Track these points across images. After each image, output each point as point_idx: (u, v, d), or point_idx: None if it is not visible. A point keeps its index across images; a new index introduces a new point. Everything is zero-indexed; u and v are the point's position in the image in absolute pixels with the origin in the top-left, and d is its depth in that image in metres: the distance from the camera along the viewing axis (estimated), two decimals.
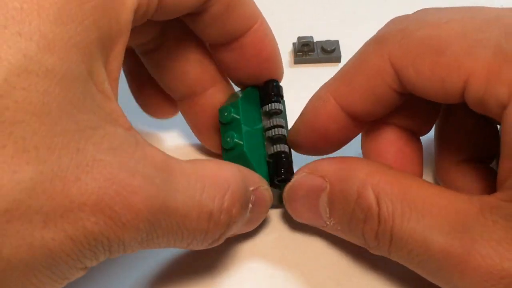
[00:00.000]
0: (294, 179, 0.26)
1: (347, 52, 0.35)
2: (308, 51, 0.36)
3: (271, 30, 0.28)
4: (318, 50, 0.36)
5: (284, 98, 0.34)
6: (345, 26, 0.37)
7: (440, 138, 0.28)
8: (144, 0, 0.21)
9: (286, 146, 0.27)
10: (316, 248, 0.28)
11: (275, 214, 0.29)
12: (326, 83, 0.26)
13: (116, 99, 0.21)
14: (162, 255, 0.27)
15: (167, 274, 0.27)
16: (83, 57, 0.19)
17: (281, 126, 0.27)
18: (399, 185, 0.23)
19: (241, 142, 0.26)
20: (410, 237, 0.22)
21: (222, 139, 0.27)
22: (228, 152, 0.26)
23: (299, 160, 0.28)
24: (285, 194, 0.27)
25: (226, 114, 0.27)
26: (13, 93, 0.17)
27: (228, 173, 0.23)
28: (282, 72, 0.29)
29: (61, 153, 0.18)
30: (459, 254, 0.21)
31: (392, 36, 0.24)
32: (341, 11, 0.39)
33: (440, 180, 0.28)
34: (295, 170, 0.27)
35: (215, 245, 0.23)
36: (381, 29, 0.25)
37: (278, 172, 0.26)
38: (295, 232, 0.28)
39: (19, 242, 0.17)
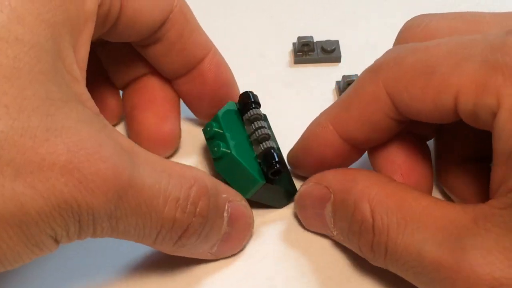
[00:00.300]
0: (302, 188, 0.27)
1: (347, 52, 0.35)
2: (308, 51, 0.36)
3: (223, 57, 0.29)
4: (318, 50, 0.36)
5: (284, 98, 0.34)
6: (345, 26, 0.37)
7: (439, 139, 0.28)
8: None
9: (273, 142, 0.28)
10: (316, 248, 0.28)
11: (275, 215, 0.29)
12: (325, 110, 0.27)
13: (84, 85, 0.21)
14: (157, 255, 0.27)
15: (161, 273, 0.27)
16: (52, 34, 0.20)
17: (264, 127, 0.28)
18: (396, 198, 0.23)
19: (228, 151, 0.27)
20: (405, 250, 0.23)
21: (211, 151, 0.27)
22: (218, 161, 0.27)
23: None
24: (295, 203, 0.28)
25: (208, 129, 0.28)
26: None
27: (197, 173, 0.24)
28: (238, 94, 0.30)
29: (30, 114, 0.19)
30: (450, 265, 0.21)
31: (386, 64, 0.24)
32: (341, 11, 0.39)
33: (441, 182, 0.28)
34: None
35: (181, 251, 0.24)
36: (378, 58, 0.25)
37: (270, 165, 0.26)
38: (294, 232, 0.28)
39: None
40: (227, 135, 0.27)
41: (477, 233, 0.21)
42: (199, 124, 0.32)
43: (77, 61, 0.21)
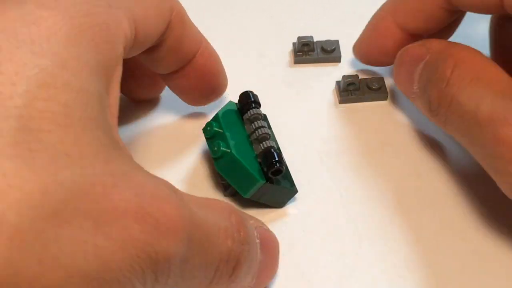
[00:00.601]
0: (405, 47, 0.30)
1: (347, 52, 0.35)
2: (308, 51, 0.36)
3: (212, 46, 0.30)
4: (318, 50, 0.36)
5: (284, 98, 0.34)
6: (345, 26, 0.37)
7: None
8: (128, 36, 0.22)
9: (273, 141, 0.28)
10: (316, 249, 0.28)
11: (275, 215, 0.29)
12: (384, 4, 0.31)
13: (117, 130, 0.21)
14: None
15: None
16: (94, 78, 0.19)
17: (264, 127, 0.28)
18: (477, 63, 0.26)
19: (228, 150, 0.27)
20: (466, 101, 0.25)
21: (210, 151, 0.27)
22: (218, 161, 0.27)
23: (292, 159, 0.28)
24: (396, 60, 0.30)
25: (208, 128, 0.28)
26: (36, 103, 0.17)
27: (224, 204, 0.24)
28: (227, 83, 0.31)
29: (93, 162, 0.18)
30: (499, 120, 0.24)
31: None
32: (341, 11, 0.39)
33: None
34: (291, 172, 0.27)
35: (235, 283, 0.23)
36: None
37: (270, 164, 0.27)
38: (294, 233, 0.28)
39: (74, 248, 0.17)
40: (227, 134, 0.27)
41: None
42: (198, 123, 0.32)
43: (110, 106, 0.21)
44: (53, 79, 0.18)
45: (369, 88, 0.33)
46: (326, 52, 0.36)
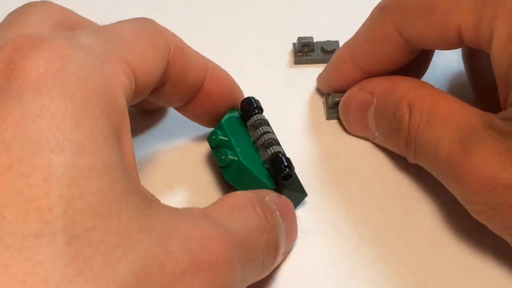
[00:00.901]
0: (347, 93, 0.31)
1: None
2: (308, 51, 0.36)
3: (219, 66, 0.29)
4: (318, 51, 0.36)
5: (284, 98, 0.34)
6: (345, 26, 0.37)
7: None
8: (127, 85, 0.22)
9: (279, 147, 0.27)
10: (315, 249, 0.28)
11: None
12: (344, 46, 0.31)
13: (139, 180, 0.21)
14: None
15: None
16: (110, 146, 0.19)
17: (269, 132, 0.28)
18: (429, 100, 0.27)
19: (236, 158, 0.27)
20: (427, 144, 0.26)
21: (217, 159, 0.27)
22: (226, 169, 0.27)
23: (292, 160, 0.28)
24: (340, 108, 0.31)
25: (214, 137, 0.28)
26: (73, 205, 0.17)
27: (242, 195, 0.24)
28: (243, 94, 0.30)
29: (140, 238, 0.18)
30: (456, 160, 0.24)
31: (392, 5, 0.28)
32: (341, 11, 0.39)
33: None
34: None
35: (276, 263, 0.25)
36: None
37: (279, 169, 0.26)
38: None
39: None
40: (233, 142, 0.27)
41: (483, 136, 0.24)
42: (200, 132, 0.32)
43: (128, 159, 0.21)
44: (78, 170, 0.18)
45: None
46: (326, 53, 0.36)
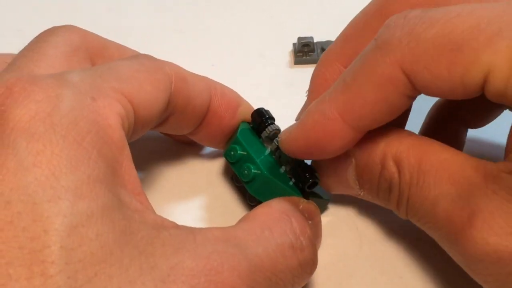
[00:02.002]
0: (319, 160, 0.27)
1: None
2: (308, 51, 0.36)
3: (219, 83, 0.29)
4: (318, 51, 0.36)
5: (284, 98, 0.34)
6: (345, 26, 0.37)
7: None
8: (123, 115, 0.22)
9: None
10: None
11: None
12: (329, 98, 0.24)
13: (152, 210, 0.21)
14: None
15: None
16: (107, 188, 0.19)
17: None
18: (415, 153, 0.23)
19: (259, 171, 0.26)
20: (421, 205, 0.23)
21: (240, 175, 0.27)
22: (250, 184, 0.27)
23: None
24: (318, 173, 0.27)
25: (233, 153, 0.27)
26: (74, 254, 0.17)
27: (277, 206, 0.24)
28: (251, 106, 0.30)
29: (142, 280, 0.18)
30: (458, 223, 0.21)
31: (398, 41, 0.22)
32: (341, 11, 0.39)
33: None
34: None
35: (314, 268, 0.24)
36: (382, 32, 0.23)
37: (305, 179, 0.26)
38: None
39: None
40: (253, 155, 0.27)
41: (486, 194, 0.21)
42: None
43: (133, 193, 0.21)
44: (77, 218, 0.18)
45: None
46: None
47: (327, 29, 0.37)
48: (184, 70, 0.26)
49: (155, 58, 0.25)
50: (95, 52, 0.25)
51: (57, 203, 0.18)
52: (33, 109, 0.19)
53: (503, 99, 0.21)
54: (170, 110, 0.25)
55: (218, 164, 0.31)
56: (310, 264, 0.23)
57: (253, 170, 0.26)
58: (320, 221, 0.26)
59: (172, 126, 0.27)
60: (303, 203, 0.25)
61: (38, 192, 0.18)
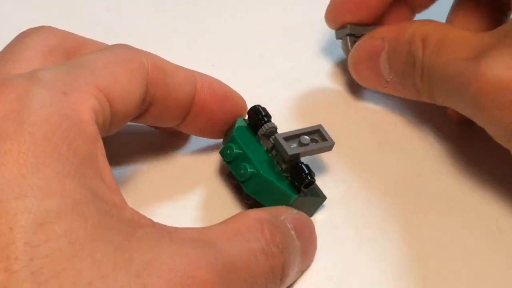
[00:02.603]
0: (357, 44, 0.31)
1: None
2: None
3: (208, 75, 0.28)
4: None
5: (284, 98, 0.34)
6: None
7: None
8: (97, 109, 0.21)
9: None
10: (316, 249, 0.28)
11: None
12: None
13: (127, 205, 0.21)
14: None
15: None
16: (79, 183, 0.19)
17: None
18: (441, 31, 0.27)
19: (255, 171, 0.26)
20: (442, 68, 0.27)
21: (236, 174, 0.27)
22: (246, 184, 0.27)
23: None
24: (350, 59, 0.31)
25: (229, 152, 0.27)
26: (39, 250, 0.17)
27: (252, 215, 0.24)
28: (244, 102, 0.29)
29: (115, 274, 0.18)
30: (470, 70, 0.25)
31: None
32: None
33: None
34: None
35: (286, 275, 0.24)
36: None
37: (301, 178, 0.26)
38: None
39: None
40: (249, 154, 0.27)
41: (497, 47, 0.25)
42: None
43: (109, 188, 0.21)
44: (44, 215, 0.18)
45: None
46: None
47: (327, 29, 0.37)
48: (164, 60, 0.26)
49: (131, 47, 0.25)
50: (73, 51, 0.25)
51: (24, 200, 0.18)
52: (3, 109, 0.19)
53: None
54: (148, 100, 0.25)
55: (214, 160, 0.31)
56: (281, 271, 0.23)
57: (249, 170, 0.26)
58: (311, 232, 0.26)
59: (154, 118, 0.26)
60: (290, 214, 0.25)
61: (5, 190, 0.18)
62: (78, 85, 0.21)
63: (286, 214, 0.25)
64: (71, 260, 0.18)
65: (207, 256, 0.20)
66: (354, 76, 0.31)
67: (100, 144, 0.21)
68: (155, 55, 0.26)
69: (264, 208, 0.25)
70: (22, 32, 0.25)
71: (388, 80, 0.30)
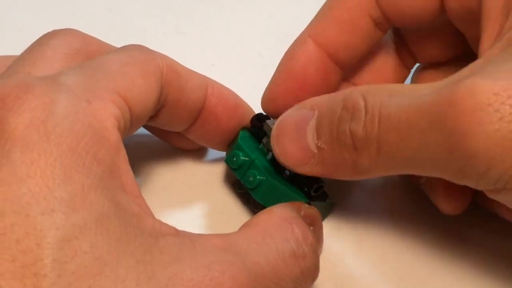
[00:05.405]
0: (283, 115, 0.25)
1: None
2: None
3: (219, 83, 0.28)
4: None
5: None
6: None
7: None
8: (119, 115, 0.21)
9: None
10: None
11: None
12: (305, 28, 0.27)
13: (151, 213, 0.21)
14: None
15: None
16: (103, 195, 0.19)
17: None
18: (384, 85, 0.23)
19: (264, 178, 0.26)
20: (398, 109, 0.21)
21: (244, 181, 0.27)
22: (255, 191, 0.26)
23: None
24: (273, 132, 0.25)
25: (235, 159, 0.27)
26: (67, 267, 0.17)
27: (278, 213, 0.23)
28: (254, 113, 0.29)
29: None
30: (449, 94, 0.20)
31: None
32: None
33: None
34: None
35: (317, 275, 0.23)
36: None
37: (311, 183, 0.26)
38: None
39: None
40: (256, 161, 0.26)
41: (473, 73, 0.20)
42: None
43: (131, 195, 0.20)
44: (70, 230, 0.18)
45: None
46: None
47: None
48: (178, 64, 0.26)
49: (146, 49, 0.25)
50: (93, 55, 0.25)
51: (51, 215, 0.18)
52: (28, 117, 0.19)
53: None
54: (160, 102, 0.25)
55: (219, 170, 0.31)
56: (312, 271, 0.23)
57: (258, 177, 0.26)
58: (321, 227, 0.26)
59: (164, 120, 0.26)
60: (305, 208, 0.25)
61: (32, 204, 0.18)
62: (100, 92, 0.21)
63: (304, 209, 0.25)
64: (96, 277, 0.17)
65: (231, 268, 0.20)
66: (276, 151, 0.25)
67: (123, 152, 0.21)
68: (169, 57, 0.26)
69: (284, 204, 0.24)
70: (46, 34, 0.24)
71: (315, 151, 0.24)
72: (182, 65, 0.26)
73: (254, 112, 0.29)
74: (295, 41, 0.27)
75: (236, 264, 0.20)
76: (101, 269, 0.18)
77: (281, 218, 0.23)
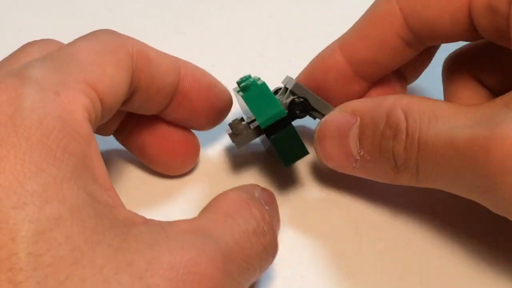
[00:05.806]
0: (325, 117, 0.27)
1: None
2: None
3: (192, 64, 0.28)
4: None
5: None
6: (345, 27, 0.37)
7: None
8: (89, 106, 0.21)
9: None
10: (314, 250, 0.28)
11: None
12: (340, 36, 0.28)
13: (122, 204, 0.21)
14: None
15: None
16: (76, 186, 0.19)
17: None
18: (426, 103, 0.24)
19: (258, 83, 0.27)
20: (436, 138, 0.23)
21: (239, 83, 0.27)
22: (247, 91, 0.27)
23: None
24: (315, 134, 0.27)
25: (243, 79, 0.27)
26: (43, 259, 0.17)
27: (234, 195, 0.24)
28: (229, 93, 0.29)
29: (118, 278, 0.18)
30: (483, 138, 0.21)
31: None
32: (342, 11, 0.39)
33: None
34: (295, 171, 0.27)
35: (276, 252, 0.24)
36: None
37: (292, 99, 0.27)
38: (294, 234, 0.28)
39: None
40: (256, 79, 0.27)
41: (509, 111, 0.21)
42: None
43: (104, 187, 0.20)
44: (44, 223, 0.18)
45: None
46: None
47: (327, 29, 0.37)
48: (148, 47, 0.26)
49: (116, 33, 0.25)
50: None
51: (23, 209, 0.18)
52: None
53: (493, 22, 0.24)
54: (132, 88, 0.25)
55: (212, 157, 0.31)
56: (273, 248, 0.23)
57: (251, 79, 0.27)
58: (276, 206, 0.26)
59: (137, 105, 0.26)
60: (259, 190, 0.25)
61: (3, 199, 0.18)
62: (69, 82, 0.21)
63: (257, 191, 0.25)
64: (73, 267, 0.17)
65: (205, 249, 0.20)
66: (319, 154, 0.27)
67: (94, 143, 0.21)
68: (139, 41, 0.26)
69: (237, 188, 0.25)
70: (25, 43, 0.25)
71: (358, 158, 0.26)
72: (153, 49, 0.26)
73: (228, 91, 0.29)
74: (326, 47, 0.29)
75: (209, 245, 0.20)
76: (78, 259, 0.18)
77: (238, 199, 0.23)
